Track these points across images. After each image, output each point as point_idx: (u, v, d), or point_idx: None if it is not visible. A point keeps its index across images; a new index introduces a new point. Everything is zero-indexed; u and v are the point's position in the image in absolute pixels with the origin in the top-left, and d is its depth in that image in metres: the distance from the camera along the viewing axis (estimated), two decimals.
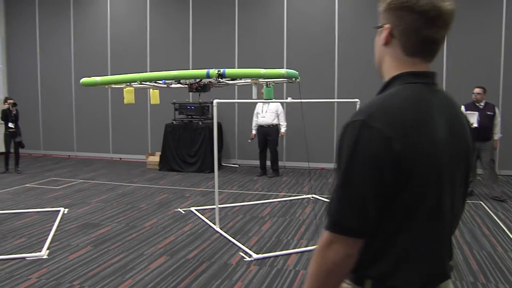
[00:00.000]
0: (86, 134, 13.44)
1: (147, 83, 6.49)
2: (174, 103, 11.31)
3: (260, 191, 8.75)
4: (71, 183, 9.65)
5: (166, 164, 11.17)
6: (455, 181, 1.50)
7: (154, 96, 6.80)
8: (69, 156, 13.64)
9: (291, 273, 4.81)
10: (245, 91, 11.39)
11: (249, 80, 6.43)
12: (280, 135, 10.15)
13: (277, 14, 11.26)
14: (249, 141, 10.47)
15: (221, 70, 5.56)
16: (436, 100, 1.47)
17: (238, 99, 11.58)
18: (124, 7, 12.80)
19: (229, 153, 11.95)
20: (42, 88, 13.87)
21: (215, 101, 6.31)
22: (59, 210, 7.35)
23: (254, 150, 10.62)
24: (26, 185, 9.52)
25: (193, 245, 5.71)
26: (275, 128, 10.06)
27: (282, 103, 10.31)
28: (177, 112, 11.34)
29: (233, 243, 5.74)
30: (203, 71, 5.61)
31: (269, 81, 6.31)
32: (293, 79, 6.27)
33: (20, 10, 14.00)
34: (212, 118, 11.14)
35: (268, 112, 10.04)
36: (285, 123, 10.11)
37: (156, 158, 11.52)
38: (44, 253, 5.43)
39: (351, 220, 1.37)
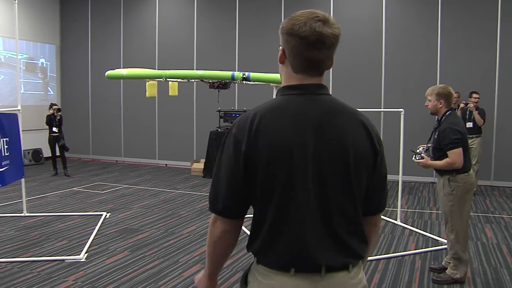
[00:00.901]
0: (133, 140, 13.68)
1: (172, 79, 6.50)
2: (219, 111, 11.35)
3: None
4: (116, 188, 9.81)
5: (210, 171, 11.21)
6: (330, 178, 1.69)
7: (173, 88, 6.83)
8: (116, 161, 13.91)
9: None
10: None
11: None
12: None
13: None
14: None
15: (246, 73, 5.64)
16: (303, 106, 1.70)
17: None
18: (172, 16, 12.99)
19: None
20: (92, 96, 14.22)
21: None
22: (101, 215, 7.47)
23: None
24: (73, 188, 9.75)
25: None
26: None
27: None
28: (222, 119, 11.38)
29: None
30: (229, 73, 5.74)
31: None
32: None
33: (74, 19, 14.44)
34: None
35: None
36: None
37: (200, 165, 11.58)
38: (82, 256, 5.51)
39: (218, 203, 1.75)
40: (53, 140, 11.20)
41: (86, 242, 6.03)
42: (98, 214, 7.52)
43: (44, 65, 14.34)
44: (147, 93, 6.16)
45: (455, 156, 4.34)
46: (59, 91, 14.80)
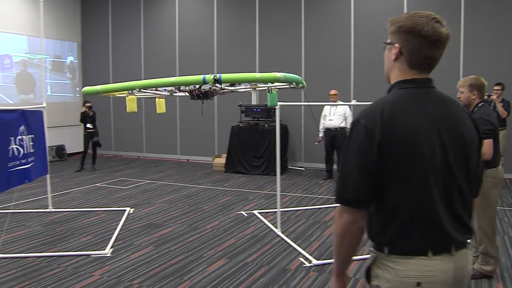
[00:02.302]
0: (155, 135, 13.75)
1: (148, 90, 6.33)
2: (240, 106, 11.34)
3: (325, 195, 8.60)
4: (139, 184, 9.87)
5: (231, 166, 11.22)
6: (452, 165, 1.81)
7: (160, 105, 6.66)
8: (138, 157, 14.00)
9: (351, 281, 4.66)
10: (311, 93, 11.27)
11: (248, 86, 6.18)
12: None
13: (344, 15, 11.06)
14: (316, 143, 10.34)
15: (217, 75, 5.39)
16: (424, 100, 1.84)
17: (304, 101, 11.47)
18: (192, 12, 12.99)
19: (295, 156, 11.85)
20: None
21: (278, 103, 6.24)
22: (125, 210, 7.52)
23: (321, 153, 10.46)
24: (97, 184, 9.83)
25: (253, 249, 5.66)
26: (343, 131, 9.85)
27: (350, 106, 10.09)
28: (243, 114, 11.37)
29: (294, 248, 5.64)
30: (200, 77, 5.44)
31: (271, 87, 6.11)
32: (299, 85, 6.12)
33: (95, 17, 14.54)
34: None
35: (335, 115, 9.87)
36: None
37: (222, 160, 11.59)
38: (108, 251, 5.55)
39: (348, 193, 1.78)
40: (88, 136, 11.41)
41: (111, 237, 6.08)
42: (121, 210, 7.57)
43: (73, 63, 14.52)
44: (127, 108, 5.95)
45: (485, 147, 4.17)
46: (80, 87, 14.90)
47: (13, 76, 12.69)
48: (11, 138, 6.05)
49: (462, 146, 1.84)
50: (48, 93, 13.49)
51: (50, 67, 13.66)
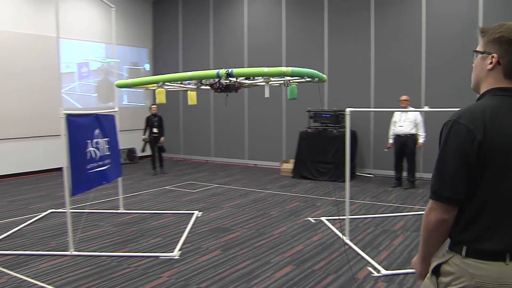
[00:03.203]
0: (223, 140, 13.89)
1: (175, 84, 6.57)
2: (309, 111, 11.26)
3: (394, 203, 8.37)
4: (207, 187, 9.97)
5: (299, 172, 11.14)
6: None
7: (191, 98, 6.89)
8: (206, 161, 14.17)
9: None
10: (380, 98, 11.04)
11: (261, 79, 6.17)
12: (418, 146, 9.64)
13: (415, 18, 10.74)
14: (385, 150, 10.09)
15: (229, 70, 5.53)
16: None
17: (374, 107, 11.25)
18: (261, 17, 13.05)
19: (364, 162, 11.63)
20: (183, 96, 14.54)
21: (347, 109, 6.14)
22: (193, 213, 7.60)
23: (390, 160, 10.21)
24: (166, 187, 10.01)
25: (321, 256, 5.57)
26: (413, 137, 9.56)
27: (421, 112, 9.79)
28: (311, 120, 11.28)
29: (362, 257, 5.50)
30: (214, 71, 5.63)
31: (288, 81, 6.19)
32: (315, 79, 6.13)
33: (165, 23, 14.91)
34: None
35: (406, 121, 9.59)
36: (424, 133, 9.58)
37: (289, 165, 11.53)
38: (176, 253, 5.61)
39: (446, 191, 1.84)
40: (153, 141, 11.67)
41: (179, 240, 6.15)
42: (190, 213, 7.66)
43: (145, 70, 14.98)
44: (156, 100, 6.27)
45: None
46: (151, 92, 15.30)
47: (90, 85, 13.22)
48: (88, 141, 6.25)
49: None
50: (124, 102, 13.99)
51: (127, 74, 14.11)
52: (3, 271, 5.11)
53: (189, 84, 6.49)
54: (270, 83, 6.31)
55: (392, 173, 10.25)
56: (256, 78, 6.18)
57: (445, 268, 1.90)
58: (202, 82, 6.20)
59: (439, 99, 10.23)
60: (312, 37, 12.19)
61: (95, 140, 6.38)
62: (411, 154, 9.67)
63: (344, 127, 10.99)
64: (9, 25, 11.39)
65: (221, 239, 6.26)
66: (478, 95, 2.03)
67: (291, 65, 12.13)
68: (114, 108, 7.65)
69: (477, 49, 2.00)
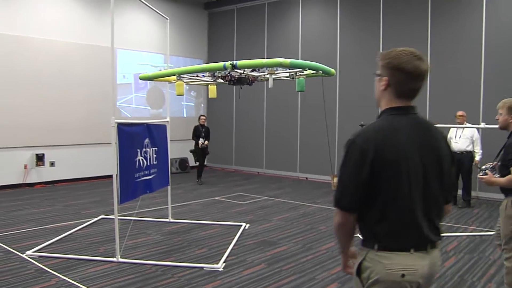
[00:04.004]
0: (274, 152, 13.84)
1: (193, 77, 6.95)
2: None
3: (447, 223, 8.06)
4: (256, 199, 9.94)
5: None
6: (430, 178, 2.20)
7: (212, 91, 7.32)
8: (258, 172, 14.16)
9: None
10: (436, 113, 10.73)
11: (266, 71, 6.27)
12: (474, 163, 9.28)
13: (474, 31, 10.39)
14: None
15: (234, 62, 5.85)
16: (409, 124, 2.23)
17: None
18: (315, 29, 12.99)
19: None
20: (236, 108, 14.67)
21: None
22: (241, 225, 7.56)
23: None
24: (215, 198, 10.05)
25: None
26: (469, 155, 9.22)
27: (478, 129, 9.44)
28: None
29: None
30: (221, 64, 5.98)
31: (295, 73, 6.37)
32: (319, 71, 6.32)
33: (220, 34, 15.09)
34: None
35: (462, 138, 9.27)
36: (481, 151, 9.23)
37: None
38: (220, 265, 5.57)
39: (344, 200, 2.18)
40: (200, 151, 11.84)
41: (225, 251, 6.12)
42: (237, 225, 7.63)
43: None
44: (176, 92, 6.72)
45: None
46: (205, 103, 15.49)
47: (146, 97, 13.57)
48: (138, 150, 6.34)
49: (438, 165, 2.25)
50: (185, 116, 14.24)
51: (187, 87, 14.38)
52: (52, 274, 5.23)
53: (204, 76, 6.82)
54: (278, 76, 6.56)
55: None
56: (262, 70, 6.38)
57: (364, 264, 2.21)
58: (215, 74, 6.46)
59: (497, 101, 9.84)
60: (366, 50, 12.01)
61: (144, 150, 6.47)
62: (467, 172, 9.33)
63: None
64: (69, 36, 11.81)
65: (267, 252, 6.19)
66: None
67: (346, 77, 12.09)
68: (166, 118, 7.76)
69: (376, 72, 2.34)
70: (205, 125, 12.18)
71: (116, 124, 5.68)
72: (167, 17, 7.97)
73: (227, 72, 6.26)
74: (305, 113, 13.14)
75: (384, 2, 11.70)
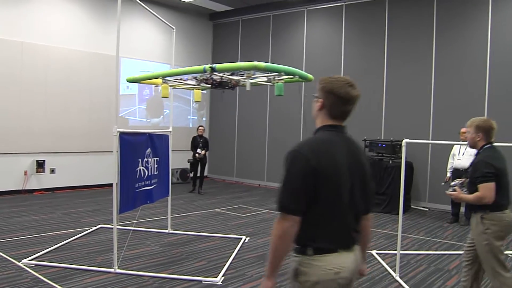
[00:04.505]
0: (276, 165, 13.75)
1: (177, 80, 7.09)
2: (364, 140, 11.02)
3: (449, 240, 7.98)
4: (257, 212, 9.86)
5: None
6: (354, 186, 2.46)
7: (197, 94, 7.50)
8: (259, 185, 14.10)
9: None
10: (439, 130, 10.68)
11: (244, 75, 6.45)
12: None
13: (479, 47, 10.36)
14: (443, 184, 9.68)
15: (214, 65, 5.96)
16: (340, 140, 2.52)
17: (432, 138, 10.88)
18: (319, 43, 12.98)
19: (419, 195, 11.23)
20: (238, 120, 14.64)
21: (404, 141, 5.94)
22: (241, 238, 7.49)
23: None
24: (215, 209, 9.97)
25: None
26: None
27: None
28: (367, 149, 11.03)
29: None
30: (201, 67, 6.06)
31: (273, 78, 6.57)
32: (296, 76, 6.62)
33: (224, 45, 15.09)
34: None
35: (465, 155, 9.20)
36: None
37: None
38: (219, 279, 5.50)
39: (291, 204, 2.34)
40: (197, 161, 12.06)
41: (224, 265, 6.04)
42: (237, 237, 7.55)
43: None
44: (161, 94, 6.93)
45: (485, 190, 4.11)
46: (207, 115, 15.46)
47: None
48: (139, 160, 6.29)
49: (362, 177, 2.54)
50: (191, 126, 14.23)
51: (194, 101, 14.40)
52: (48, 283, 5.16)
53: (187, 79, 6.99)
54: (257, 80, 6.86)
55: (448, 208, 9.85)
56: (241, 74, 6.48)
57: (301, 269, 2.40)
58: (197, 78, 6.52)
59: (503, 132, 9.77)
60: (371, 64, 12.00)
61: (145, 159, 6.42)
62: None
63: (400, 157, 10.70)
64: (74, 43, 11.82)
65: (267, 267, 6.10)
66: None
67: None
68: (168, 128, 7.72)
69: (314, 94, 2.63)
70: (203, 135, 12.24)
71: (118, 133, 5.64)
72: (173, 27, 7.95)
73: (208, 76, 6.35)
74: (308, 126, 13.10)
75: (389, 17, 11.69)
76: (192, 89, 7.60)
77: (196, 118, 15.21)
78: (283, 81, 6.67)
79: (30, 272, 5.50)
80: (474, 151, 8.95)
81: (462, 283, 4.59)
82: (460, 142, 9.03)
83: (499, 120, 10.10)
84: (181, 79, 7.06)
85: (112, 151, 5.79)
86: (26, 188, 11.11)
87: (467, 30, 10.62)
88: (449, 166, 9.51)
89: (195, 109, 15.08)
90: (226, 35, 15.20)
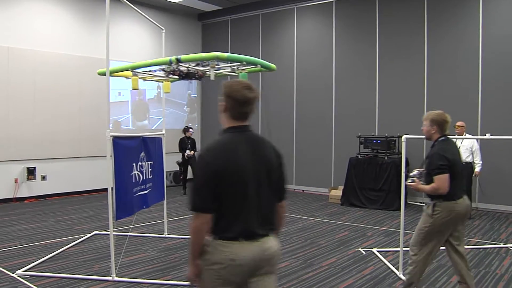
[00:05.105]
0: None
1: (147, 72, 7.26)
2: (359, 137, 10.93)
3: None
4: None
5: (348, 199, 10.78)
6: (261, 182, 2.69)
7: (166, 86, 7.50)
8: None
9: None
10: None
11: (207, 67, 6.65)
12: (474, 174, 9.14)
13: (471, 41, 10.29)
14: None
15: (179, 56, 6.24)
16: (244, 139, 2.73)
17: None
18: (310, 41, 12.88)
19: (415, 191, 11.11)
20: None
21: (404, 136, 5.88)
22: None
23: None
24: None
25: None
26: (469, 166, 9.08)
27: (477, 139, 9.32)
28: (362, 145, 10.93)
29: None
30: (167, 58, 6.33)
31: (237, 67, 6.84)
32: (258, 66, 6.89)
33: (214, 46, 14.90)
34: (398, 153, 10.55)
35: (461, 149, 9.10)
36: (481, 162, 9.10)
37: (338, 192, 11.19)
38: None
39: (200, 204, 2.60)
40: (186, 162, 12.00)
41: None
42: None
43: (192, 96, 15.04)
44: (132, 86, 7.02)
45: (439, 181, 4.36)
46: (199, 116, 15.32)
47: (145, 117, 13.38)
48: (133, 164, 6.14)
49: (268, 171, 2.75)
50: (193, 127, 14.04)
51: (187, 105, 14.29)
52: None
53: (156, 72, 7.11)
54: (222, 71, 7.10)
55: None
56: (205, 64, 6.63)
57: (207, 249, 2.67)
58: (165, 69, 6.63)
59: (497, 125, 9.74)
60: (363, 61, 11.91)
61: (139, 163, 6.27)
62: (466, 183, 9.18)
63: (395, 153, 10.63)
64: (62, 47, 11.64)
65: None
66: None
67: (342, 89, 11.97)
68: (161, 131, 7.57)
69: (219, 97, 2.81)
70: (191, 137, 12.27)
71: (111, 137, 5.49)
72: (162, 28, 7.79)
73: (175, 67, 6.49)
74: (300, 125, 12.99)
75: (380, 12, 11.61)
76: (162, 81, 7.70)
77: (184, 118, 15.11)
78: (246, 71, 6.96)
79: (26, 284, 5.33)
80: (469, 144, 9.05)
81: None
82: (456, 136, 8.98)
83: (493, 114, 10.15)
84: (149, 71, 7.19)
85: (105, 156, 5.63)
86: (17, 196, 10.90)
87: (458, 24, 10.55)
88: None
89: (186, 112, 14.92)
90: (216, 35, 15.06)
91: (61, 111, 11.57)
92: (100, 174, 10.95)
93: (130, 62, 12.71)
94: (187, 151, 11.94)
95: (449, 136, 4.70)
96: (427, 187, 4.49)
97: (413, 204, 10.84)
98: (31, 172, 11.09)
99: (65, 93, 11.55)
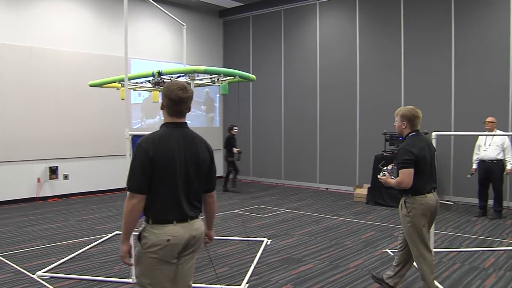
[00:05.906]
0: (293, 163, 13.47)
1: (136, 84, 7.60)
2: (385, 134, 10.66)
3: (480, 235, 7.62)
4: (276, 212, 9.56)
5: (373, 198, 10.53)
6: (189, 171, 3.06)
7: (154, 95, 7.89)
8: (276, 183, 13.79)
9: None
10: (463, 120, 10.29)
11: (186, 76, 6.86)
12: (505, 172, 8.82)
13: (501, 35, 9.94)
14: (468, 176, 9.30)
15: (160, 69, 6.70)
16: (178, 134, 3.09)
17: (454, 129, 10.50)
18: (333, 36, 12.62)
19: (443, 189, 10.83)
20: (253, 118, 14.34)
21: (434, 133, 5.65)
22: (263, 241, 7.19)
23: (472, 186, 9.44)
24: (234, 211, 9.68)
25: None
26: (500, 163, 8.77)
27: (509, 136, 8.99)
28: (387, 143, 10.67)
29: None
30: (150, 71, 6.81)
31: (217, 79, 7.06)
32: (236, 77, 7.02)
33: (236, 42, 14.79)
34: None
35: (492, 146, 8.81)
36: None
37: (363, 191, 10.95)
38: (243, 286, 5.20)
39: (135, 185, 2.94)
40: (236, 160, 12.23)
41: (247, 270, 5.73)
42: (259, 240, 7.25)
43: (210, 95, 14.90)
44: (120, 96, 7.39)
45: (403, 175, 4.42)
46: (221, 113, 15.18)
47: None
48: None
49: (197, 163, 3.10)
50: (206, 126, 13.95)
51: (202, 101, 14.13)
52: None
53: (142, 83, 7.48)
54: (204, 82, 7.49)
55: (474, 201, 9.49)
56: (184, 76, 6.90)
57: (143, 234, 2.99)
58: (150, 81, 7.02)
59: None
60: (387, 56, 11.63)
61: None
62: (497, 181, 8.87)
63: None
64: (82, 46, 11.60)
65: (292, 271, 5.79)
66: None
67: (366, 85, 11.71)
68: None
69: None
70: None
71: (130, 136, 5.37)
72: (183, 23, 7.65)
73: (159, 79, 6.80)
74: (324, 121, 12.77)
75: (405, 6, 11.31)
76: (151, 91, 8.13)
77: (217, 119, 15.06)
78: (227, 81, 7.31)
79: (45, 285, 5.24)
80: (500, 141, 8.72)
81: (392, 267, 4.98)
82: (486, 133, 8.69)
83: None
84: (136, 83, 7.56)
85: (125, 154, 5.51)
86: (39, 196, 10.89)
87: (487, 17, 10.20)
88: (474, 157, 9.13)
89: (203, 111, 14.79)
90: (237, 32, 14.90)
91: (82, 110, 11.54)
92: (121, 173, 10.86)
93: (151, 61, 12.81)
94: (235, 149, 12.15)
95: (420, 132, 4.76)
96: (393, 181, 4.56)
97: (441, 202, 10.49)
98: (53, 172, 11.08)
99: (86, 92, 11.48)
